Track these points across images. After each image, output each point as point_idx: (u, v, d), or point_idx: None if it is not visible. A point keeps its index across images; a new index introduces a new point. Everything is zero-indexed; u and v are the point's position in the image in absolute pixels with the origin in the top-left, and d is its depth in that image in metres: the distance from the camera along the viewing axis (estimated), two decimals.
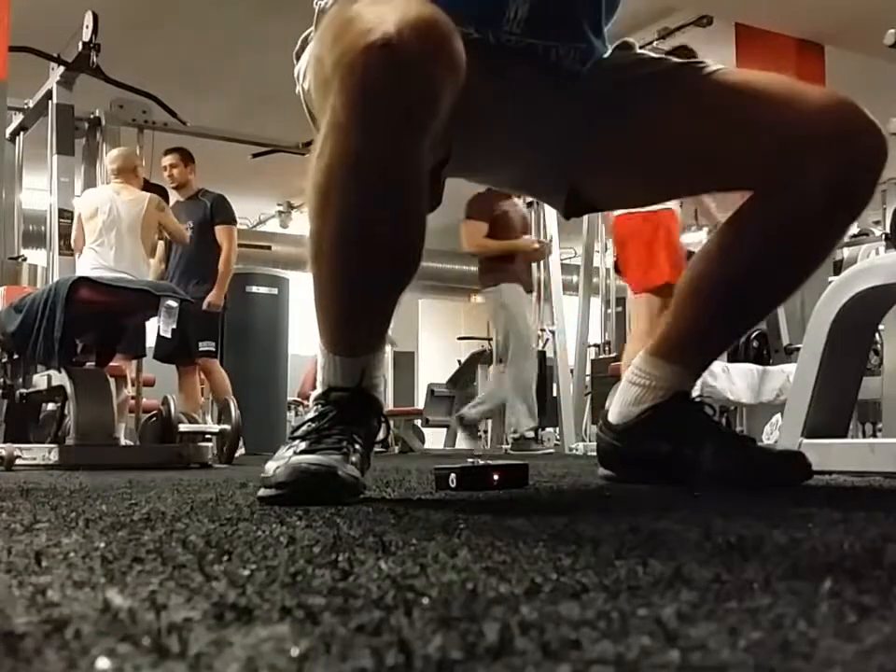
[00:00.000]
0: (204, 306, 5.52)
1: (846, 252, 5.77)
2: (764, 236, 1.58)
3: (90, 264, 5.05)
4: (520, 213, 6.29)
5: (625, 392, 1.76)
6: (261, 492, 1.29)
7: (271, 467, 1.32)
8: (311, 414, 1.42)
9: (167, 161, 5.91)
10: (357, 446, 1.37)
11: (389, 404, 10.56)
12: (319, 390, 1.45)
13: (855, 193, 1.51)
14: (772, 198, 1.55)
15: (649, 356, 1.74)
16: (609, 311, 7.90)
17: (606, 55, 1.61)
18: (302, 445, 1.35)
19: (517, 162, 1.66)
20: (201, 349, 5.78)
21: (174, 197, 5.99)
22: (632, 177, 1.67)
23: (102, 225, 5.15)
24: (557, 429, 7.40)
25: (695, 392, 1.83)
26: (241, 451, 5.91)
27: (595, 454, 1.93)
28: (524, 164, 1.67)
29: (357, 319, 1.44)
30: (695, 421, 1.73)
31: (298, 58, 1.60)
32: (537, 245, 6.27)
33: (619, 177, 1.67)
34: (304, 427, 1.39)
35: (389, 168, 1.25)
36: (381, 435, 1.48)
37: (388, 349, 11.48)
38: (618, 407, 1.77)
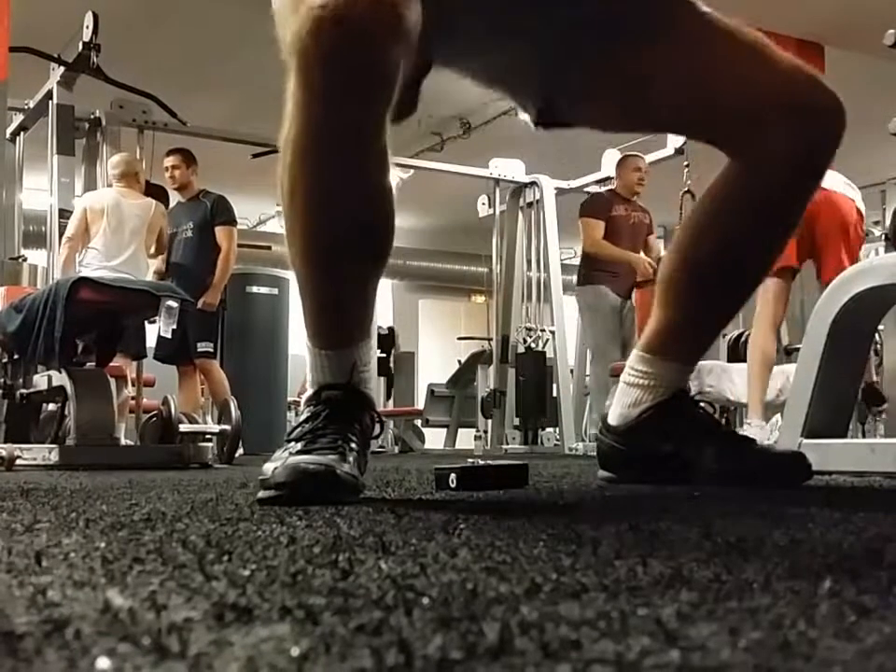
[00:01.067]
0: (199, 305, 5.51)
1: None
2: (733, 213, 1.61)
3: (92, 264, 5.06)
4: (631, 220, 6.17)
5: (624, 394, 1.76)
6: (261, 494, 1.29)
7: (268, 468, 1.31)
8: (304, 416, 1.42)
9: (169, 161, 5.91)
10: (353, 445, 1.37)
11: (390, 404, 10.57)
12: (310, 391, 1.46)
13: (816, 163, 1.57)
14: (733, 174, 1.59)
15: (642, 354, 1.74)
16: None
17: None
18: (298, 446, 1.35)
19: (493, 52, 1.64)
20: (199, 350, 5.78)
21: (175, 197, 5.99)
22: (607, 99, 1.66)
23: (107, 226, 5.17)
24: (557, 429, 7.40)
25: (695, 392, 1.84)
26: (240, 451, 5.91)
27: (595, 454, 1.93)
28: (500, 57, 1.65)
29: (337, 303, 1.45)
30: (695, 421, 1.73)
31: None
32: (649, 270, 5.94)
33: (594, 96, 1.66)
34: (299, 430, 1.39)
35: (350, 141, 1.28)
36: (376, 431, 1.48)
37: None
38: (618, 409, 1.77)
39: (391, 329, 10.85)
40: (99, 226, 5.20)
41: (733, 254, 1.63)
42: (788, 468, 1.68)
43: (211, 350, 5.81)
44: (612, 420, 1.78)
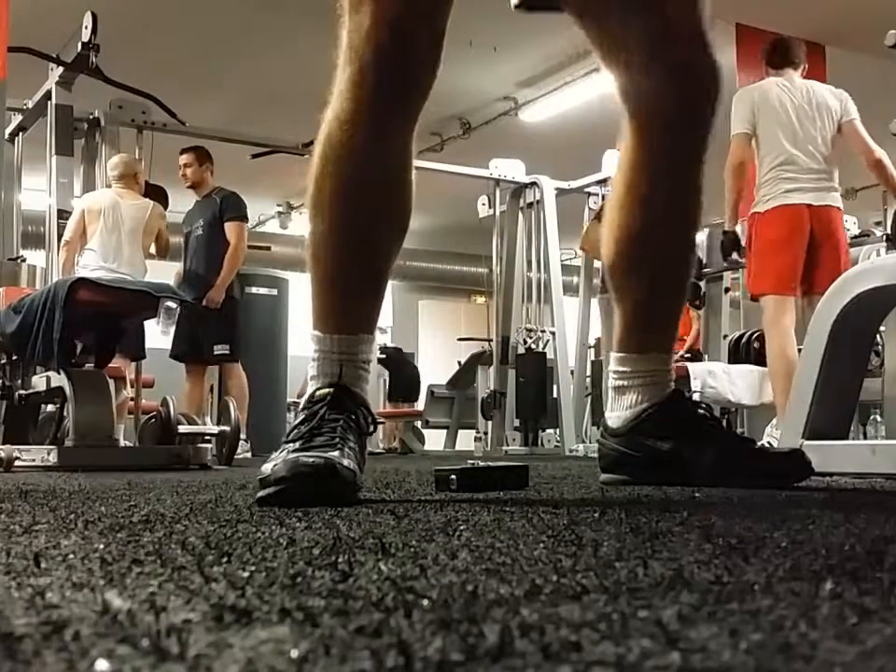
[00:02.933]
0: (204, 302, 5.50)
1: None
2: (634, 179, 1.67)
3: (89, 265, 5.07)
4: None
5: (617, 399, 1.77)
6: (261, 492, 1.29)
7: (267, 468, 1.32)
8: (300, 417, 1.43)
9: (181, 160, 5.91)
10: (351, 443, 1.38)
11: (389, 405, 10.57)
12: (305, 396, 1.48)
13: (691, 124, 1.66)
14: (627, 144, 1.66)
15: (618, 355, 1.76)
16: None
17: None
18: (296, 446, 1.35)
19: None
20: (216, 353, 5.77)
21: (180, 197, 5.98)
22: None
23: (104, 227, 5.18)
24: (557, 431, 7.40)
25: (695, 392, 1.84)
26: (248, 453, 5.91)
27: (595, 454, 1.93)
28: None
29: (358, 285, 1.52)
30: (695, 421, 1.74)
31: None
32: None
33: None
34: (295, 431, 1.40)
35: (389, 128, 1.47)
36: (371, 429, 1.48)
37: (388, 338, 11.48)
38: (615, 413, 1.78)
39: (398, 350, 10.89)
40: (96, 227, 5.21)
41: (650, 220, 1.68)
42: (788, 467, 1.68)
43: (228, 352, 5.79)
44: (612, 423, 1.78)
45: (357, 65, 1.43)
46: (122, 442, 4.45)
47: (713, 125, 1.66)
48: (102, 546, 0.78)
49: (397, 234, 1.55)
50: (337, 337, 1.50)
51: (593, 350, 8.09)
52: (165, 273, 5.69)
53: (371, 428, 1.48)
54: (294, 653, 0.39)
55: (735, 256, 4.60)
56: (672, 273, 1.76)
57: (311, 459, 1.27)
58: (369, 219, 1.51)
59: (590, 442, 5.71)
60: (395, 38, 1.42)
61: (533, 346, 7.48)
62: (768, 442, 4.64)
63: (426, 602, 0.51)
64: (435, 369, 12.39)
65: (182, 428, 4.27)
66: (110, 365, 4.15)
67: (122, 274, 4.87)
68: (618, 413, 1.77)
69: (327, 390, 1.45)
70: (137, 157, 5.76)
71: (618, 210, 1.72)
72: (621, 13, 1.60)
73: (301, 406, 1.49)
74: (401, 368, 10.36)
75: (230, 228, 5.76)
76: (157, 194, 5.57)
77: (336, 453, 1.32)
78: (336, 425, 1.39)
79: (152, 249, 5.57)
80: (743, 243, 4.57)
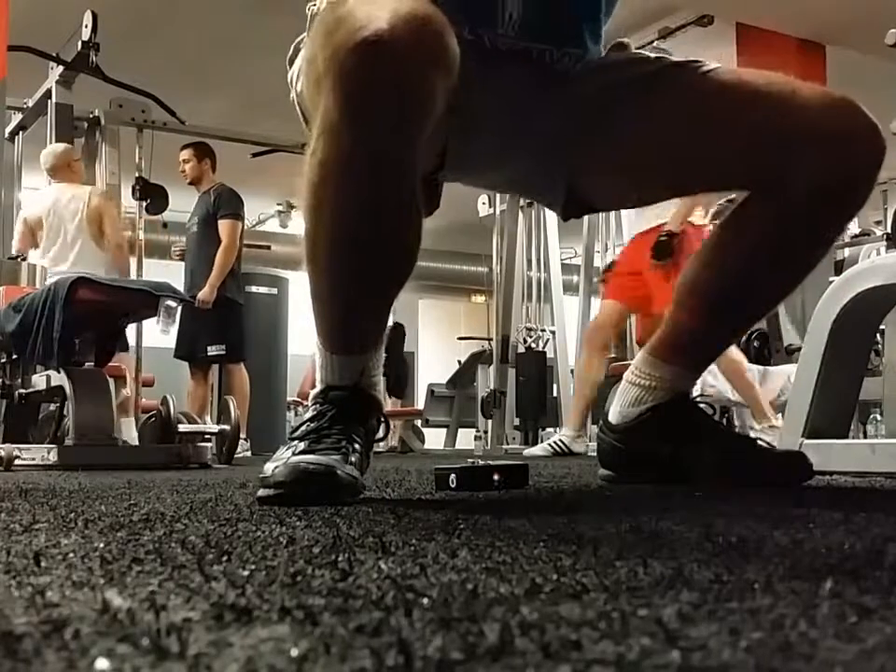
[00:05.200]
0: (196, 303, 5.45)
1: (846, 252, 5.77)
2: (757, 240, 1.57)
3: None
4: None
5: (625, 393, 1.76)
6: (260, 492, 1.29)
7: (269, 467, 1.32)
8: (309, 414, 1.42)
9: (181, 156, 5.90)
10: (357, 445, 1.37)
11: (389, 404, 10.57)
12: (318, 388, 1.45)
13: (850, 195, 1.50)
14: (765, 200, 1.54)
15: (648, 356, 1.74)
16: None
17: (601, 55, 1.61)
18: (301, 446, 1.35)
19: (511, 163, 1.65)
20: (210, 353, 5.72)
21: (181, 197, 5.97)
22: (623, 177, 1.65)
23: (47, 231, 5.01)
24: (557, 430, 7.40)
25: (695, 392, 1.84)
26: (248, 452, 5.91)
27: (595, 454, 1.93)
28: (518, 165, 1.66)
29: (354, 319, 1.44)
30: (696, 421, 1.73)
31: (291, 63, 1.59)
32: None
33: (610, 177, 1.66)
34: (303, 428, 1.39)
35: (383, 166, 1.23)
36: (381, 433, 1.48)
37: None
38: (618, 407, 1.77)
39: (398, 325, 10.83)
40: (42, 234, 5.05)
41: (752, 285, 1.61)
42: (788, 467, 1.68)
43: (224, 353, 5.73)
44: (613, 419, 1.78)
45: (337, 101, 1.18)
46: (132, 438, 4.43)
47: (867, 196, 1.50)
48: (102, 545, 0.78)
49: (401, 269, 1.41)
50: (347, 358, 1.44)
51: None
52: (167, 273, 5.69)
53: (382, 432, 1.48)
54: (294, 652, 0.39)
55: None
56: (744, 327, 1.79)
57: (312, 466, 1.27)
58: (368, 272, 1.37)
59: (590, 441, 5.71)
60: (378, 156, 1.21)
61: (533, 345, 7.48)
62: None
63: (426, 601, 0.51)
64: (435, 368, 12.39)
65: (182, 427, 4.27)
66: (110, 364, 4.14)
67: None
68: (619, 408, 1.77)
69: (341, 392, 1.42)
70: (137, 156, 5.74)
71: (722, 247, 1.64)
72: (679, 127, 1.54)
73: (311, 397, 1.46)
74: (388, 351, 10.22)
75: (222, 226, 5.69)
76: (157, 194, 5.54)
77: (339, 457, 1.31)
78: (345, 426, 1.38)
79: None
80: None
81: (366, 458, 1.42)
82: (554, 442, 5.45)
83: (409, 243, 1.38)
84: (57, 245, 5.03)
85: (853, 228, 6.09)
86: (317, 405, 1.42)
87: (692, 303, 1.68)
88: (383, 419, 1.47)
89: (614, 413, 1.78)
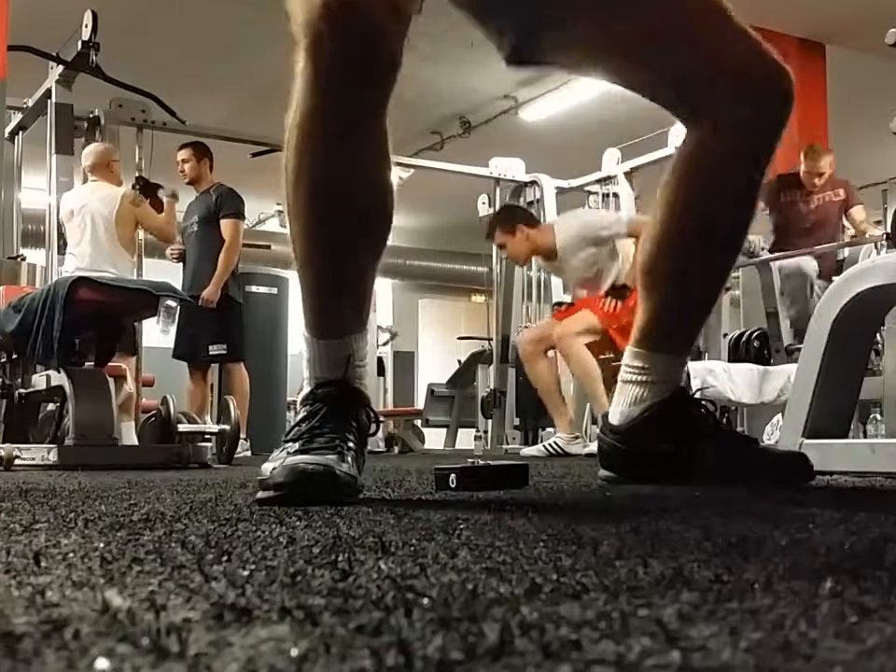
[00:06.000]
0: (199, 302, 5.46)
1: (846, 252, 5.77)
2: (691, 187, 1.64)
3: (68, 270, 5.01)
4: (813, 207, 6.02)
5: (623, 392, 1.76)
6: (259, 494, 1.29)
7: (267, 468, 1.32)
8: (301, 415, 1.42)
9: (179, 155, 5.89)
10: (351, 443, 1.37)
11: (389, 404, 10.57)
12: (306, 389, 1.46)
13: (765, 138, 1.60)
14: (687, 150, 1.62)
15: (634, 350, 1.74)
16: None
17: None
18: (296, 446, 1.35)
19: None
20: (211, 353, 5.73)
21: (182, 196, 5.96)
22: (578, 41, 1.63)
23: (76, 227, 5.12)
24: (557, 429, 7.39)
25: (695, 391, 1.83)
26: (247, 452, 5.91)
27: (595, 453, 1.93)
28: None
29: (336, 286, 1.47)
30: (697, 420, 1.73)
31: None
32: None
33: (566, 37, 1.63)
34: (296, 430, 1.40)
35: (356, 121, 1.36)
36: (372, 429, 1.48)
37: (388, 348, 11.49)
38: (618, 407, 1.77)
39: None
40: (71, 228, 5.15)
41: (698, 229, 1.65)
42: (789, 468, 1.68)
43: (224, 352, 5.75)
44: (613, 419, 1.78)
45: (312, 67, 1.33)
46: (132, 440, 4.43)
47: (783, 131, 1.59)
48: (102, 545, 0.78)
49: (375, 235, 1.48)
50: (332, 342, 1.47)
51: None
52: (166, 273, 5.69)
53: (374, 428, 1.48)
54: (294, 652, 0.39)
55: None
56: (706, 285, 1.76)
57: (310, 466, 1.27)
58: (343, 239, 1.44)
59: (590, 441, 5.70)
60: (353, 24, 1.30)
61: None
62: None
63: (426, 601, 0.51)
64: (435, 367, 12.38)
65: (182, 427, 4.27)
66: (110, 363, 4.15)
67: (105, 272, 4.81)
68: (619, 408, 1.77)
69: (330, 388, 1.43)
70: (137, 156, 5.74)
71: (666, 210, 1.68)
72: (645, 62, 1.58)
73: (300, 401, 1.48)
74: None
75: (225, 225, 5.71)
76: (157, 193, 5.54)
77: (335, 456, 1.31)
78: (337, 425, 1.39)
79: (143, 236, 5.46)
80: None
81: (361, 455, 1.42)
82: (550, 444, 5.47)
83: (383, 202, 1.46)
84: (85, 241, 5.09)
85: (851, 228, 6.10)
86: (307, 405, 1.43)
87: (655, 281, 1.71)
88: (372, 413, 1.47)
89: (615, 414, 1.78)
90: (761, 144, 1.61)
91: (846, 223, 6.15)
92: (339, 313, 1.49)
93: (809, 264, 5.77)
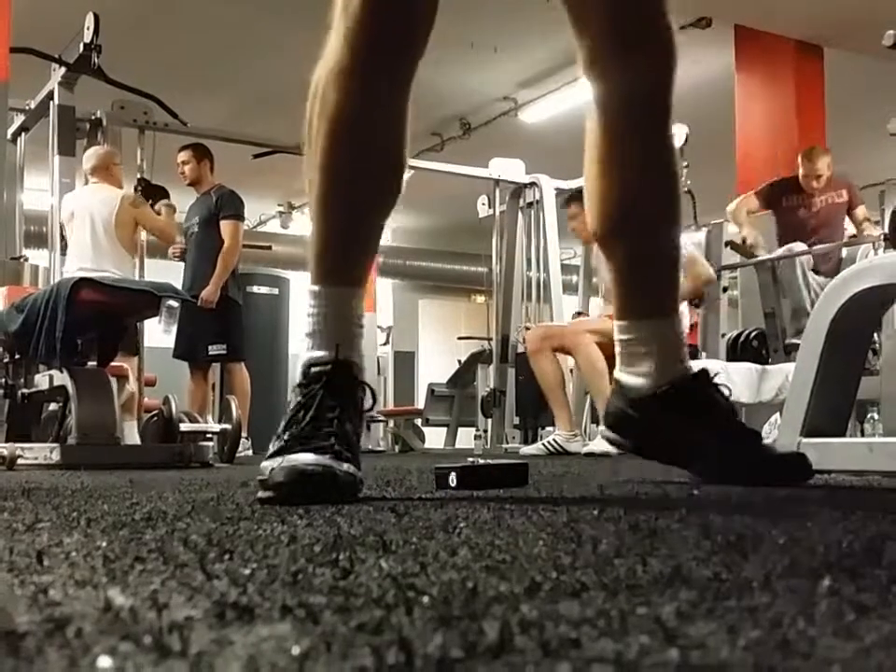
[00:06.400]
0: (199, 303, 5.47)
1: (844, 252, 5.77)
2: (606, 145, 1.66)
3: (70, 270, 5.01)
4: (815, 210, 6.02)
5: (632, 365, 1.72)
6: (260, 494, 1.29)
7: (266, 467, 1.31)
8: (296, 401, 1.41)
9: (179, 157, 5.91)
10: (348, 434, 1.37)
11: (390, 404, 10.56)
12: (303, 358, 1.46)
13: (654, 100, 1.65)
14: (596, 110, 1.66)
15: (622, 323, 1.72)
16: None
17: None
18: (294, 441, 1.34)
19: None
20: (210, 353, 5.74)
21: (183, 197, 5.96)
22: None
23: (76, 228, 5.13)
24: (556, 429, 7.39)
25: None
26: (249, 451, 5.91)
27: (595, 453, 1.93)
28: None
29: (344, 232, 1.51)
30: (711, 407, 1.71)
31: None
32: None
33: None
34: (293, 420, 1.38)
35: (388, 68, 1.46)
36: (368, 404, 1.47)
37: (389, 348, 11.48)
38: (631, 377, 1.73)
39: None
40: (71, 229, 5.17)
41: (627, 186, 1.68)
42: (789, 466, 1.68)
43: (224, 352, 5.76)
44: (627, 383, 1.74)
45: (349, 23, 1.42)
46: (134, 440, 4.43)
47: (671, 95, 1.64)
48: (104, 544, 0.78)
49: (389, 190, 1.53)
50: (333, 290, 1.49)
51: None
52: (168, 273, 5.68)
53: (371, 403, 1.48)
54: (295, 650, 0.39)
55: None
56: (660, 234, 1.74)
57: (310, 467, 1.27)
58: (361, 174, 1.50)
59: (590, 440, 5.70)
60: None
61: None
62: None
63: (426, 599, 0.51)
64: (435, 367, 12.38)
65: (184, 427, 4.28)
66: (112, 363, 4.15)
67: (107, 272, 4.83)
68: (634, 378, 1.72)
69: (323, 367, 1.42)
70: (139, 158, 5.74)
71: (596, 179, 1.70)
72: None
73: (296, 381, 1.46)
74: None
75: (224, 226, 5.73)
76: (158, 195, 5.55)
77: (333, 455, 1.31)
78: (334, 416, 1.37)
79: (144, 237, 5.46)
80: None
81: (357, 440, 1.40)
82: (549, 442, 5.46)
83: (400, 153, 1.52)
84: (86, 242, 5.10)
85: (850, 228, 6.10)
86: (302, 389, 1.42)
87: (611, 247, 1.73)
88: (367, 388, 1.47)
89: (628, 381, 1.73)
90: (656, 90, 1.64)
91: (847, 224, 6.14)
92: (349, 261, 1.52)
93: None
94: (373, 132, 1.50)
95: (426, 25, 1.45)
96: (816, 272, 5.68)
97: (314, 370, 1.43)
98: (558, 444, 5.40)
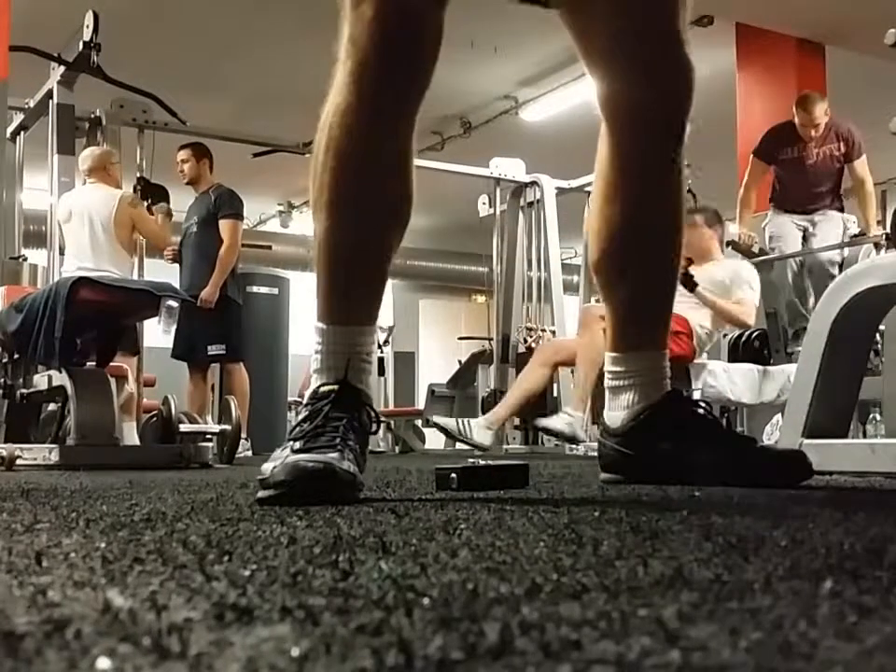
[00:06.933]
0: (198, 303, 5.47)
1: (846, 252, 5.77)
2: (617, 179, 1.67)
3: (68, 271, 5.02)
4: (812, 161, 5.88)
5: (613, 398, 1.77)
6: (260, 493, 1.29)
7: (267, 468, 1.32)
8: (303, 415, 1.43)
9: (179, 156, 5.91)
10: (352, 443, 1.38)
11: (390, 404, 10.56)
12: (311, 387, 1.48)
13: (671, 123, 1.65)
14: (607, 145, 1.66)
15: (612, 355, 1.76)
16: None
17: None
18: (298, 445, 1.36)
19: None
20: (210, 353, 5.73)
21: (183, 197, 5.96)
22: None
23: (75, 228, 5.14)
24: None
25: (696, 394, 1.84)
26: (248, 452, 5.91)
27: (596, 453, 1.93)
28: None
29: (352, 272, 1.51)
30: (694, 420, 1.73)
31: None
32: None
33: None
34: (298, 429, 1.40)
35: (394, 108, 1.47)
36: (373, 428, 1.48)
37: (389, 348, 11.48)
38: (613, 413, 1.78)
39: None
40: (69, 228, 5.18)
41: (631, 219, 1.69)
42: (788, 467, 1.68)
43: (224, 353, 5.76)
44: (610, 423, 1.79)
45: (357, 59, 1.42)
46: (133, 440, 4.43)
47: (687, 125, 1.65)
48: (103, 545, 0.78)
49: (396, 227, 1.54)
50: (340, 328, 1.51)
51: None
52: (168, 274, 5.68)
53: (374, 427, 1.48)
54: (295, 652, 0.39)
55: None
56: (658, 270, 1.76)
57: (310, 464, 1.28)
58: (367, 212, 1.50)
59: (590, 441, 5.70)
60: (402, 27, 1.42)
61: (533, 345, 7.47)
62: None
63: (426, 601, 0.51)
64: (435, 367, 12.38)
65: (183, 427, 4.28)
66: (111, 363, 4.15)
67: (106, 272, 4.83)
68: (616, 412, 1.77)
69: (331, 387, 1.45)
70: (138, 157, 5.74)
71: (600, 209, 1.71)
72: (605, 14, 1.60)
73: (304, 401, 1.49)
74: None
75: (223, 226, 5.73)
76: (158, 194, 5.54)
77: (336, 454, 1.32)
78: (339, 424, 1.39)
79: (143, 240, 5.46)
80: None
81: (362, 455, 1.42)
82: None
83: (408, 185, 1.53)
84: (84, 241, 5.11)
85: (853, 228, 6.09)
86: (310, 405, 1.44)
87: (609, 279, 1.74)
88: (374, 413, 1.48)
89: (611, 418, 1.78)
90: (670, 121, 1.65)
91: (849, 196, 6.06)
92: (357, 302, 1.53)
93: (825, 255, 5.72)
94: (379, 168, 1.50)
95: (432, 61, 1.45)
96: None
97: (322, 390, 1.46)
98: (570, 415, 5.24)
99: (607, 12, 1.59)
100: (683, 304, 4.83)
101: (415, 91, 1.47)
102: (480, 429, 5.17)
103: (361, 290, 1.54)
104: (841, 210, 5.99)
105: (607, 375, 1.78)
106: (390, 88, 1.45)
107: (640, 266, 1.72)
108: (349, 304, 1.53)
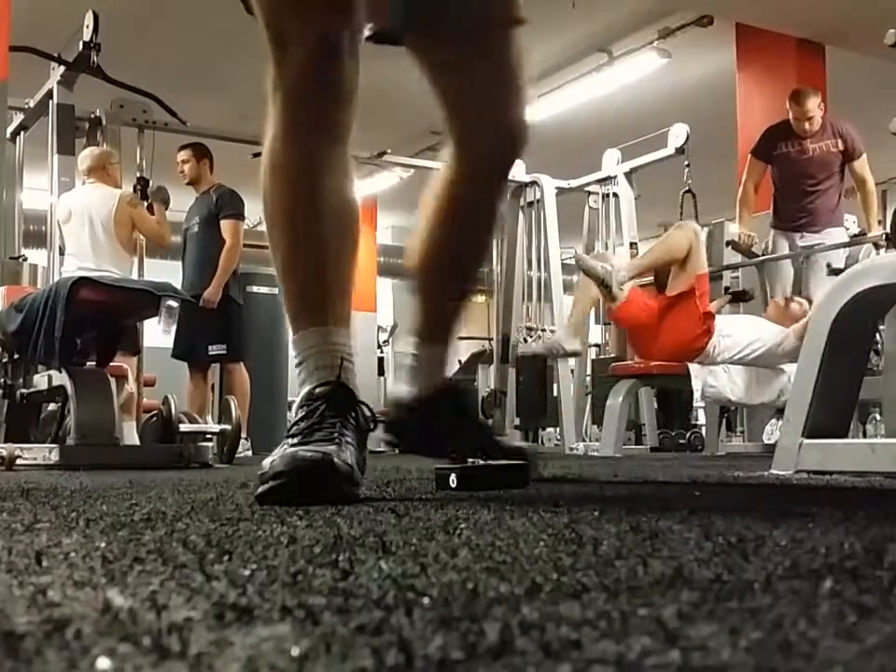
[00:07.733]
0: (200, 303, 5.47)
1: (847, 251, 5.77)
2: (451, 213, 1.83)
3: (69, 271, 5.02)
4: (808, 156, 5.83)
5: (407, 375, 1.88)
6: (259, 489, 1.29)
7: (266, 463, 1.32)
8: (300, 414, 1.43)
9: (179, 156, 5.90)
10: (349, 438, 1.39)
11: None
12: (302, 392, 1.48)
13: (505, 171, 1.86)
14: (451, 178, 1.80)
15: (409, 339, 1.88)
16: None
17: None
18: (296, 440, 1.36)
19: None
20: (211, 353, 5.73)
21: (183, 197, 5.95)
22: (426, 47, 1.76)
23: (75, 228, 5.15)
24: (557, 429, 7.40)
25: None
26: (248, 451, 5.91)
27: (596, 453, 1.93)
28: None
29: (317, 279, 1.56)
30: (466, 408, 1.92)
31: None
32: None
33: (420, 36, 1.76)
34: (295, 427, 1.41)
35: (321, 139, 1.56)
36: (370, 427, 1.49)
37: (389, 348, 11.48)
38: (404, 386, 1.89)
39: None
40: (69, 229, 5.18)
41: (454, 238, 1.84)
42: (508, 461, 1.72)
43: (224, 353, 5.76)
44: (402, 395, 1.88)
45: (284, 89, 1.51)
46: (133, 440, 4.43)
47: (507, 178, 1.89)
48: (103, 544, 0.78)
49: (347, 227, 1.60)
50: (326, 329, 1.52)
51: (593, 349, 8.07)
52: (169, 273, 5.68)
53: (372, 426, 1.49)
54: (295, 651, 0.39)
55: None
56: (466, 283, 1.95)
57: (308, 454, 1.29)
58: (314, 221, 1.56)
59: (590, 441, 5.71)
60: (320, 46, 1.49)
61: (534, 345, 7.46)
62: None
63: (426, 600, 0.51)
64: None
65: (183, 427, 4.28)
66: (112, 363, 4.15)
67: (107, 271, 4.83)
68: (406, 390, 1.87)
69: (326, 387, 1.45)
70: (138, 157, 5.74)
71: (430, 224, 1.84)
72: (449, 66, 1.72)
73: (298, 403, 1.49)
74: None
75: (225, 226, 5.72)
76: (157, 194, 5.54)
77: (333, 447, 1.33)
78: (335, 421, 1.40)
79: (145, 240, 5.47)
80: None
81: (361, 453, 1.43)
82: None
83: (350, 197, 1.61)
84: (85, 241, 5.11)
85: (853, 228, 6.09)
86: (305, 406, 1.45)
87: (425, 284, 1.88)
88: (370, 411, 1.49)
89: (402, 392, 1.88)
90: (497, 171, 1.84)
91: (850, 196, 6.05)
92: (318, 300, 1.55)
93: (829, 255, 5.70)
94: (321, 182, 1.56)
95: (352, 101, 1.55)
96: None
97: (317, 391, 1.46)
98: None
99: (451, 65, 1.72)
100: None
101: (339, 127, 1.56)
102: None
103: (330, 295, 1.57)
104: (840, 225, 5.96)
105: (408, 356, 1.90)
106: (313, 128, 1.55)
107: (451, 278, 1.89)
108: (319, 308, 1.55)
